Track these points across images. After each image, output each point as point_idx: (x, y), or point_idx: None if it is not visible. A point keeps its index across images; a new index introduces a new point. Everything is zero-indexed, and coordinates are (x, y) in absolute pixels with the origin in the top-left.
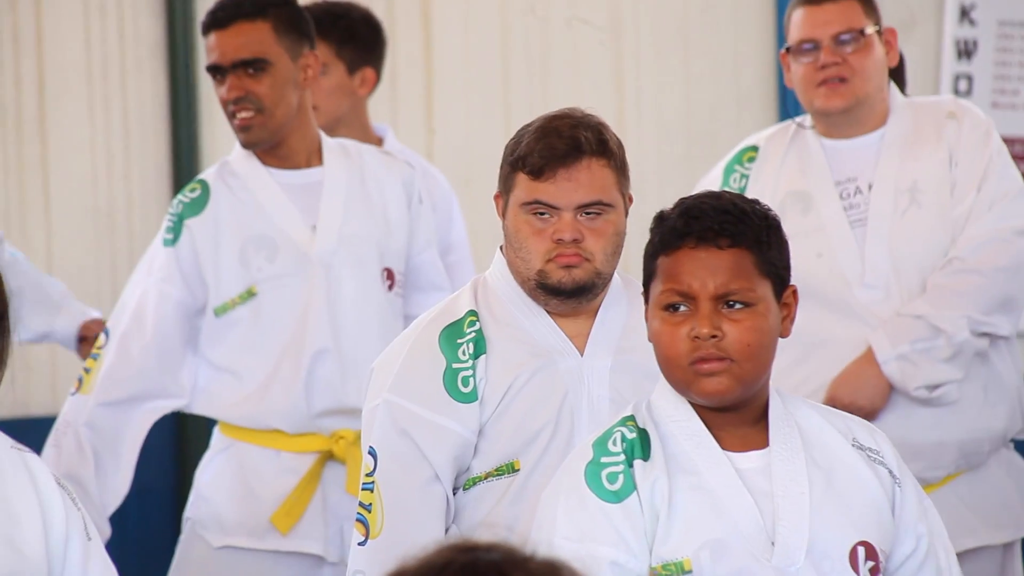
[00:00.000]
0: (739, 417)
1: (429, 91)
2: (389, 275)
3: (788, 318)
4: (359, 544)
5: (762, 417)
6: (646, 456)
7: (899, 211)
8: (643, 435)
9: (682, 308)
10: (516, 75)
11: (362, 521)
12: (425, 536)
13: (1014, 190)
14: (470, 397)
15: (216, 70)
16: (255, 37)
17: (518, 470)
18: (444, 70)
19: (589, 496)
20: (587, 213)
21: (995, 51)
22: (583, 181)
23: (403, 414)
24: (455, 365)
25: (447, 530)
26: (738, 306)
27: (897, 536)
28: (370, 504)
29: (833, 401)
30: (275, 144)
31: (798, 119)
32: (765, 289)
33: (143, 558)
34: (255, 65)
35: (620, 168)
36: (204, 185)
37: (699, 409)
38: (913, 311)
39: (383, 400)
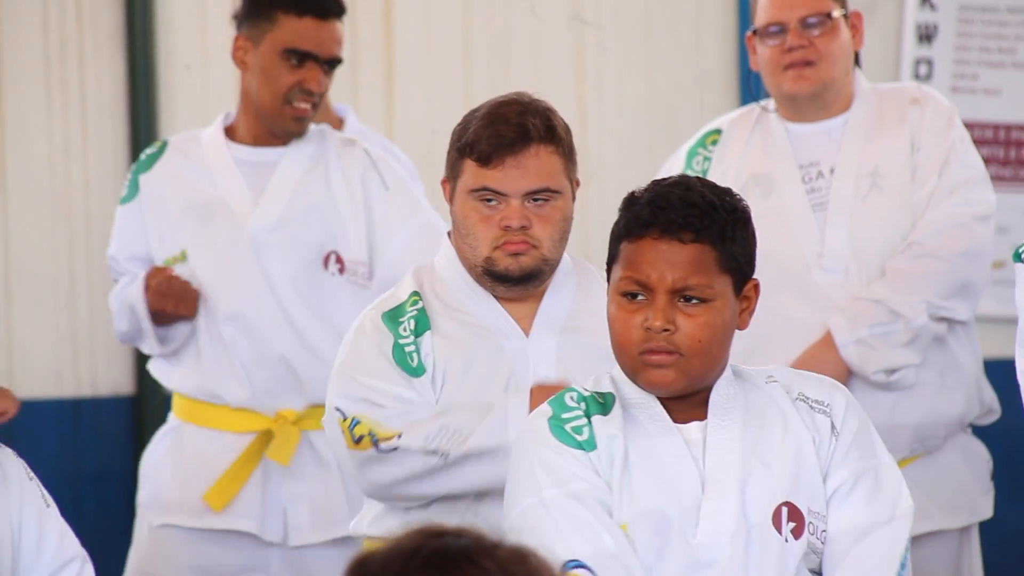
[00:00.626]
0: (687, 399)
1: (390, 73)
2: (339, 260)
3: (747, 311)
4: (400, 438)
5: (707, 398)
6: (604, 412)
7: (860, 195)
8: (601, 395)
9: (639, 297)
10: (477, 57)
11: (384, 441)
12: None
13: (975, 176)
14: (419, 371)
15: (307, 57)
16: (340, 36)
17: None
18: (405, 52)
19: (559, 446)
20: (535, 200)
21: (955, 35)
22: (531, 168)
23: (359, 385)
24: (400, 341)
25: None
26: (694, 301)
27: (829, 473)
28: (371, 432)
29: None
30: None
31: (762, 103)
32: (724, 284)
33: (100, 541)
34: (335, 64)
35: (568, 154)
36: (163, 144)
37: None
38: (872, 295)
39: (336, 375)
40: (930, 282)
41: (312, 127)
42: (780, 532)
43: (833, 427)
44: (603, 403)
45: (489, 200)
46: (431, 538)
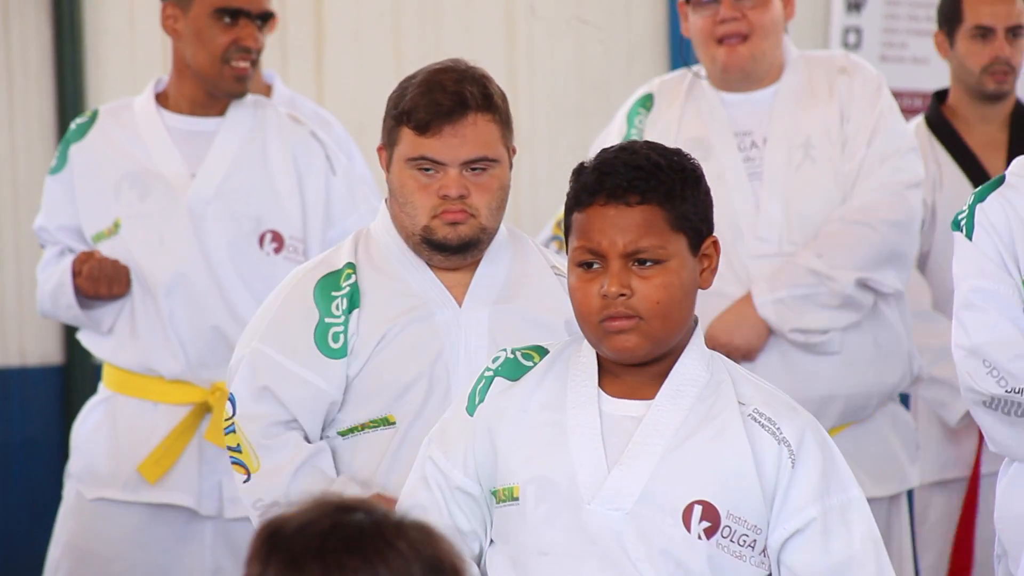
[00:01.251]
0: (643, 369)
1: (319, 38)
2: (276, 238)
3: (708, 269)
4: (244, 482)
5: (669, 370)
6: (514, 377)
7: (793, 166)
8: (537, 352)
9: (594, 266)
10: (407, 22)
11: (239, 463)
12: (300, 453)
13: (905, 146)
14: (339, 353)
15: (239, 14)
16: None
17: (394, 423)
18: (334, 17)
19: (463, 405)
20: (473, 169)
21: (884, 4)
22: (469, 137)
23: (268, 363)
24: (327, 320)
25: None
26: (649, 263)
27: (783, 512)
28: (238, 445)
29: (711, 342)
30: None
31: (694, 68)
32: (678, 244)
33: (30, 510)
34: (268, 19)
35: (504, 121)
36: (94, 113)
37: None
38: (799, 258)
39: (251, 349)
40: (859, 250)
41: (248, 97)
42: (689, 528)
43: (791, 453)
44: (526, 365)
45: (427, 169)
46: (341, 513)
